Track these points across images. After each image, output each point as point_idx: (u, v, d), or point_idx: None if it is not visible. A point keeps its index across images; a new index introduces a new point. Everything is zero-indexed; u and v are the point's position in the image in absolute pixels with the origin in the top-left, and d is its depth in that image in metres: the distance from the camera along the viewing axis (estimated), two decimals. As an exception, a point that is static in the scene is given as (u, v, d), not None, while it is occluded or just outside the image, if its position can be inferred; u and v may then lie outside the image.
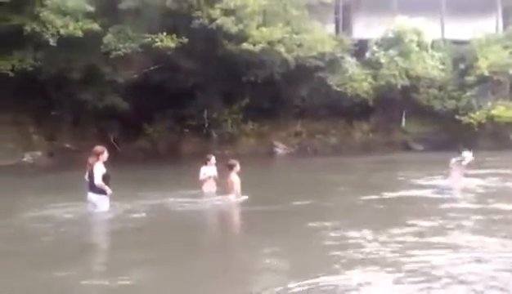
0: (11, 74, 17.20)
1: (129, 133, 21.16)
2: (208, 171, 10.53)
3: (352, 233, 6.79)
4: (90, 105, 19.32)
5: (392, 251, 5.84)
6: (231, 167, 9.66)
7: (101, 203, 8.55)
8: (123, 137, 21.15)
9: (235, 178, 9.54)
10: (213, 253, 6.44)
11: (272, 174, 16.73)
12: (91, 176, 8.52)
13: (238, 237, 7.70)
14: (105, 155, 8.55)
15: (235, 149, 21.93)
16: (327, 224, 7.53)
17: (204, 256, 6.28)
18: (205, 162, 10.58)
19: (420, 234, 6.72)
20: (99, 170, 8.47)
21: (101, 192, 8.49)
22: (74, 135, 20.01)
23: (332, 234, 6.83)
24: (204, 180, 10.47)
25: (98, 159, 8.49)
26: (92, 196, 8.57)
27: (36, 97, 18.90)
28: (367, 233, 6.73)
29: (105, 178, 8.49)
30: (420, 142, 24.36)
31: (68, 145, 19.83)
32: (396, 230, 6.93)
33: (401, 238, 6.47)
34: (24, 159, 18.77)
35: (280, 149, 23.36)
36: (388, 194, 10.13)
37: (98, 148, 8.65)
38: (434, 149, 21.66)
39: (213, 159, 10.58)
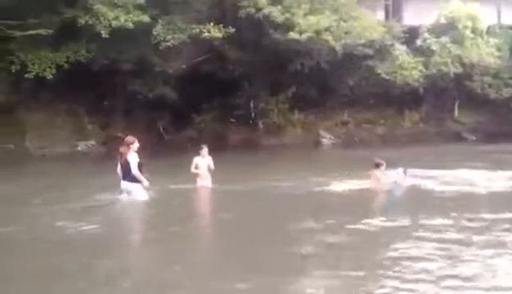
0: (66, 66, 17.85)
1: (178, 123, 21.54)
2: (201, 162, 10.07)
3: None
4: (141, 95, 19.80)
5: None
6: (377, 166, 9.99)
7: (136, 192, 8.66)
8: (172, 127, 21.57)
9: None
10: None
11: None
12: (124, 166, 8.64)
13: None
14: (135, 145, 8.66)
15: (281, 139, 21.87)
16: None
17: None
18: (198, 152, 10.19)
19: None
20: (134, 159, 8.56)
21: (135, 180, 8.59)
22: (126, 124, 20.51)
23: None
24: (197, 174, 10.04)
25: (130, 149, 8.58)
26: (126, 185, 8.68)
27: (89, 88, 19.51)
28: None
29: (139, 166, 8.62)
30: (474, 132, 23.46)
31: (120, 134, 20.31)
32: None
33: None
34: (79, 148, 19.49)
35: (327, 138, 23.09)
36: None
37: (130, 138, 8.80)
38: (488, 140, 20.79)
39: (205, 150, 10.15)
